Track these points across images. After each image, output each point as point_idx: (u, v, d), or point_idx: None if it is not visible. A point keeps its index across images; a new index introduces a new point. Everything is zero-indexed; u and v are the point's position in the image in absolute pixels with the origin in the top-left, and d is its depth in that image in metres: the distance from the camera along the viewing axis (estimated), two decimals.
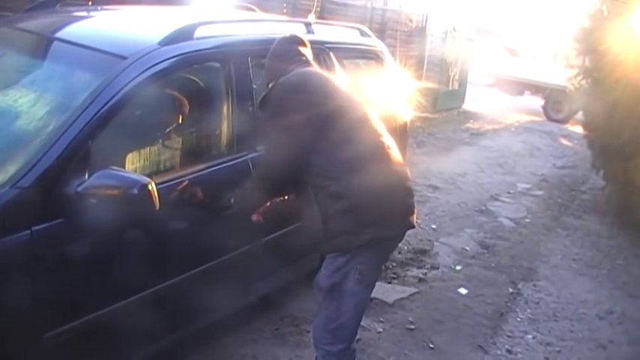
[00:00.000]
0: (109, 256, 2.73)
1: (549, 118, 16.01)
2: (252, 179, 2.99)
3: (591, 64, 7.87)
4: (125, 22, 3.65)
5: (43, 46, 3.25)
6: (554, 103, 15.97)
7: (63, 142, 2.52)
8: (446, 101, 14.16)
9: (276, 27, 3.97)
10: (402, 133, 4.65)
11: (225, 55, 3.33)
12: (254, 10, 4.78)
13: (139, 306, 2.86)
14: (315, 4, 4.82)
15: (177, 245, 3.05)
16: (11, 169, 2.49)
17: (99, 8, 3.95)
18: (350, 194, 2.75)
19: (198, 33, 3.14)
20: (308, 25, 4.05)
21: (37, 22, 3.57)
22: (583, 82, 8.22)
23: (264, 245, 3.48)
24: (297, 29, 3.96)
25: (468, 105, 15.47)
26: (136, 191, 2.45)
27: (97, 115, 2.62)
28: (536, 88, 16.72)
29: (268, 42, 3.58)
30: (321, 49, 4.09)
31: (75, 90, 2.82)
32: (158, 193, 2.52)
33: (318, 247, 3.07)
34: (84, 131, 2.56)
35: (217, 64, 3.36)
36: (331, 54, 4.11)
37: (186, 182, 2.99)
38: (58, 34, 3.29)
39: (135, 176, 2.54)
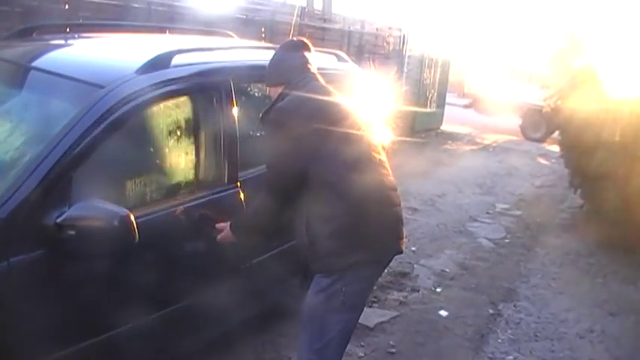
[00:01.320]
0: (89, 287, 2.69)
1: (527, 138, 16.16)
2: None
3: (566, 85, 7.99)
4: (102, 50, 3.65)
5: (19, 75, 3.25)
6: (531, 122, 16.14)
7: (40, 172, 2.51)
8: (424, 123, 14.23)
9: (252, 53, 4.00)
10: None
11: (201, 82, 3.33)
12: (231, 37, 4.81)
13: (122, 338, 2.83)
14: (292, 29, 4.85)
15: (159, 278, 3.02)
16: None
17: (76, 36, 3.95)
18: (339, 217, 2.79)
19: (175, 61, 3.14)
20: None
21: (13, 51, 3.55)
22: (559, 102, 8.34)
23: (242, 274, 3.48)
24: None
25: (446, 126, 15.57)
26: (116, 223, 2.45)
27: (75, 144, 2.60)
28: (514, 108, 16.88)
29: (245, 68, 3.62)
30: None
31: (52, 119, 2.81)
32: (137, 225, 2.52)
33: (304, 268, 3.09)
34: (61, 161, 2.55)
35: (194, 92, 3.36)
36: None
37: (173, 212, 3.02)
38: (35, 63, 3.29)
39: (114, 208, 2.53)
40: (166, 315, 3.06)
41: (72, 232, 2.47)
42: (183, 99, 3.40)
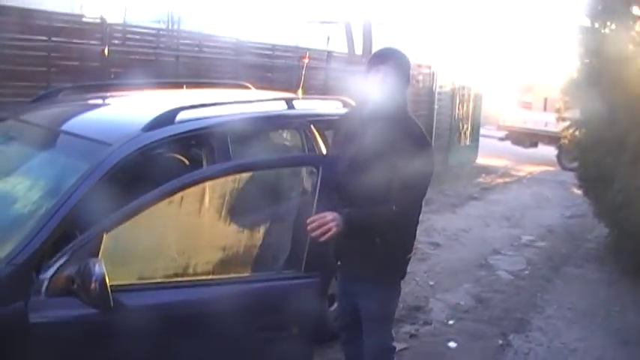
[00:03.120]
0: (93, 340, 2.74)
1: (563, 168, 16.13)
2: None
3: (582, 116, 8.12)
4: (115, 109, 4.03)
5: (41, 136, 3.60)
6: (567, 152, 16.09)
7: (51, 225, 2.80)
8: (457, 157, 14.37)
9: (257, 106, 4.32)
10: None
11: (204, 136, 3.66)
12: (248, 88, 5.14)
13: None
14: (302, 79, 5.18)
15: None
16: (8, 247, 2.79)
17: (96, 97, 4.34)
18: (412, 239, 3.45)
19: (179, 117, 3.46)
20: (289, 100, 4.36)
21: (37, 114, 3.94)
22: (576, 133, 8.48)
23: None
24: (278, 105, 4.31)
25: (482, 159, 15.69)
26: (92, 285, 2.53)
27: (83, 198, 2.91)
28: (549, 139, 16.90)
29: (247, 121, 3.92)
30: (302, 123, 4.43)
31: (65, 176, 3.13)
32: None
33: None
34: (70, 214, 2.85)
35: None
36: (312, 127, 4.45)
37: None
38: (54, 125, 3.68)
39: (96, 269, 2.54)
40: None
41: (75, 287, 2.63)
42: (188, 152, 3.74)
